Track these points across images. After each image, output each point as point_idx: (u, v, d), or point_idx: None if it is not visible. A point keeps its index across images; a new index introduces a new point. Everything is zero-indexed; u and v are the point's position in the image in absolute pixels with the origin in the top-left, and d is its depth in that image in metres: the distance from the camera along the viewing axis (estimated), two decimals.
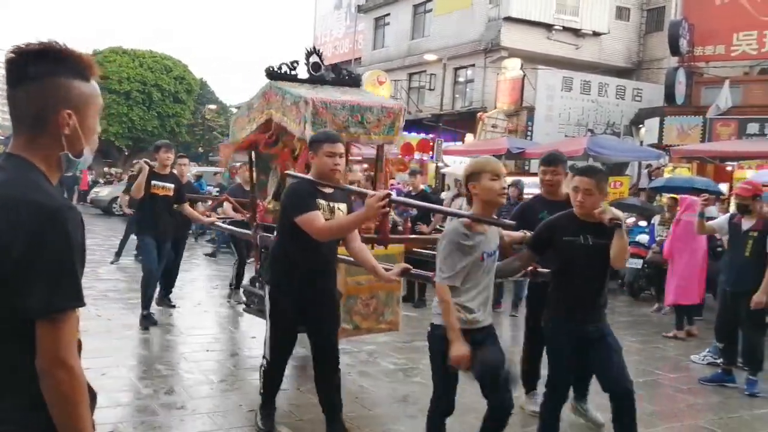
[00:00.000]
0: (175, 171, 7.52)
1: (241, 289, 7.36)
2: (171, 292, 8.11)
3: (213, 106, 48.36)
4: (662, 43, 19.25)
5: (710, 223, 6.74)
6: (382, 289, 5.41)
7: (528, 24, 21.96)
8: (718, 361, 6.40)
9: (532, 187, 16.16)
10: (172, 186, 7.12)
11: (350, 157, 6.25)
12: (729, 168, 16.14)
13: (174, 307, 7.92)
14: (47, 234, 1.48)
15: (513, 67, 21.24)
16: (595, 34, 22.93)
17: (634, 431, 3.78)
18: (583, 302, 3.80)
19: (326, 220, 3.77)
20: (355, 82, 6.06)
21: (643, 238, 10.70)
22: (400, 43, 27.06)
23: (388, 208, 3.39)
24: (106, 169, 32.21)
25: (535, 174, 18.57)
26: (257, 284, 6.03)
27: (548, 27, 22.25)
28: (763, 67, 18.75)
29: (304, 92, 5.25)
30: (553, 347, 3.94)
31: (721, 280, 6.42)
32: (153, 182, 7.00)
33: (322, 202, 3.85)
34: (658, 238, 10.17)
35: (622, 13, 23.91)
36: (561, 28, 22.36)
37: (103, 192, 22.38)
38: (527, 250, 3.93)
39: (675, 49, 17.58)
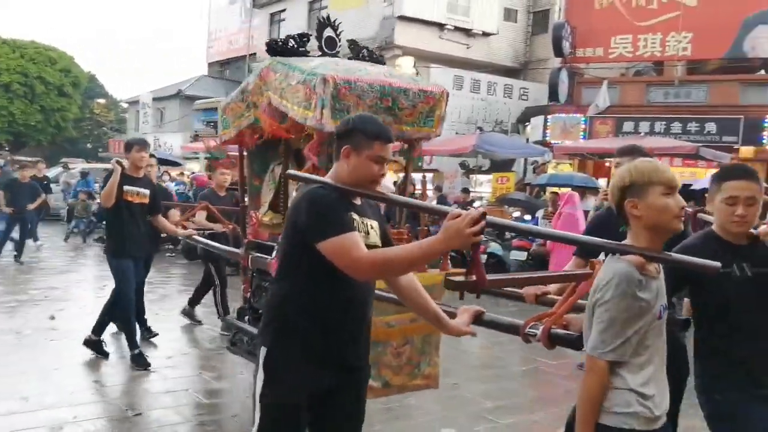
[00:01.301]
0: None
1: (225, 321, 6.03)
2: (145, 320, 6.87)
3: (102, 101, 46.65)
4: (547, 45, 20.11)
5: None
6: (418, 333, 4.10)
7: (421, 23, 22.36)
8: None
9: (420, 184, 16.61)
10: (148, 192, 5.93)
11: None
12: (607, 164, 17.10)
13: (156, 335, 6.76)
14: None
15: (406, 65, 21.58)
16: (485, 34, 23.62)
17: None
18: (760, 357, 2.68)
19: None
20: (377, 60, 4.73)
21: None
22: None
23: (482, 236, 2.22)
24: None
25: (428, 171, 18.97)
26: (247, 318, 4.89)
27: (440, 26, 22.73)
28: (637, 69, 19.93)
29: (320, 68, 3.95)
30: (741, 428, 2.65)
31: None
32: (126, 188, 5.75)
33: (355, 217, 2.56)
34: None
35: (510, 14, 24.77)
36: (452, 27, 22.90)
37: None
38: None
39: (558, 51, 18.41)
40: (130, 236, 5.78)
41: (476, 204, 15.05)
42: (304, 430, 2.58)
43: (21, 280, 9.69)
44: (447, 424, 4.73)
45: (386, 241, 2.68)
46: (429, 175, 17.82)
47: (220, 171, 7.44)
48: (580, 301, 2.39)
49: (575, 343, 2.37)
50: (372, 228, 2.64)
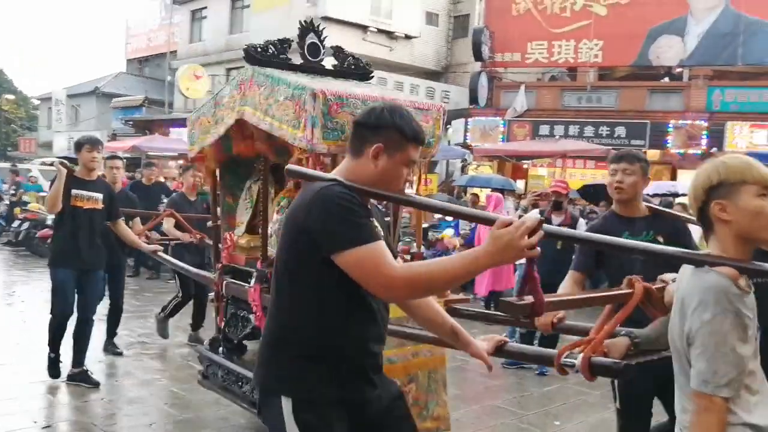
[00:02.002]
0: (104, 176, 5.90)
1: (199, 346, 5.26)
2: (116, 333, 6.53)
3: (11, 97, 44.54)
4: (467, 49, 20.58)
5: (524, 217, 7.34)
6: (422, 368, 3.81)
7: (344, 24, 22.47)
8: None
9: None
10: (101, 196, 5.35)
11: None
12: (525, 166, 17.76)
13: (121, 354, 6.36)
14: None
15: (329, 66, 21.69)
16: (407, 37, 23.95)
17: None
18: None
19: None
20: (364, 73, 4.39)
21: (450, 231, 11.51)
22: (218, 37, 26.56)
23: (537, 249, 1.86)
24: None
25: None
26: (221, 350, 4.54)
27: (364, 28, 22.91)
28: (552, 74, 20.71)
29: (307, 81, 3.67)
30: None
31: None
32: (74, 191, 5.22)
33: (376, 225, 2.11)
34: (462, 232, 10.98)
35: (431, 18, 25.19)
36: (376, 30, 23.13)
37: None
38: None
39: (478, 55, 18.92)
40: (73, 245, 5.23)
41: None
42: None
43: None
44: None
45: (392, 253, 2.17)
46: None
47: (192, 173, 6.76)
48: (619, 327, 2.17)
49: (622, 371, 2.10)
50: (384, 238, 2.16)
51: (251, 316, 4.14)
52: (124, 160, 7.16)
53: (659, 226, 3.08)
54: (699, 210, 1.97)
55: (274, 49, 4.04)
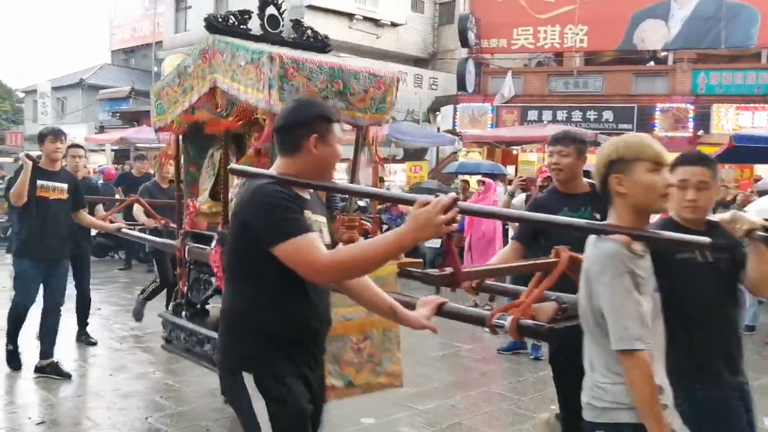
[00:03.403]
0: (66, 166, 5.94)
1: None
2: (87, 323, 6.58)
3: None
4: (454, 36, 20.56)
5: (513, 202, 7.14)
6: (377, 327, 3.92)
7: (330, 12, 22.38)
8: None
9: (340, 173, 16.78)
10: (66, 186, 5.43)
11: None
12: (514, 151, 17.79)
13: (94, 343, 6.44)
14: None
15: None
16: (393, 24, 23.90)
17: None
18: (728, 348, 2.63)
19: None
20: (322, 45, 4.59)
21: None
22: (203, 27, 26.31)
23: (455, 225, 2.01)
24: None
25: (342, 160, 19.27)
26: (184, 314, 4.63)
27: (350, 16, 22.83)
28: (539, 60, 20.73)
29: (265, 46, 3.91)
30: (725, 426, 2.56)
31: None
32: (39, 182, 5.28)
33: (309, 215, 2.31)
34: None
35: (417, 5, 25.15)
36: (362, 17, 23.05)
37: None
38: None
39: (464, 41, 18.92)
40: (37, 235, 5.28)
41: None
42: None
43: None
44: (367, 413, 4.73)
45: (333, 239, 2.48)
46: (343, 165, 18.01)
47: (143, 162, 6.96)
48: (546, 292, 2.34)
49: (546, 334, 2.29)
50: (323, 226, 2.42)
51: (213, 279, 4.31)
52: (85, 149, 7.27)
53: (597, 202, 3.15)
54: (601, 183, 2.25)
55: (234, 19, 4.23)
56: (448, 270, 2.19)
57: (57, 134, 5.45)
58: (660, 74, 17.95)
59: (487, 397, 5.48)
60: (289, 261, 2.14)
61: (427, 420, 4.74)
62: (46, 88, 31.20)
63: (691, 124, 16.57)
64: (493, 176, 11.78)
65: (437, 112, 20.94)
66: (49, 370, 5.35)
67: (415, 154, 19.00)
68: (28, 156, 5.33)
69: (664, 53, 18.63)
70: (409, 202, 2.11)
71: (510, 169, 15.69)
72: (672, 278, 2.44)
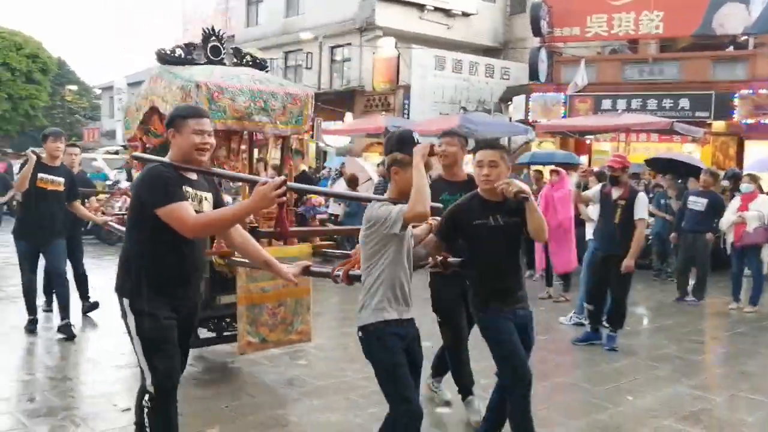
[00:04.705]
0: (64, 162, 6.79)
1: None
2: (88, 297, 7.35)
3: (73, 87, 44.91)
4: (526, 25, 20.34)
5: (585, 192, 7.30)
6: (291, 296, 4.97)
7: (401, 3, 22.48)
8: (584, 320, 7.15)
9: None
10: (63, 180, 6.37)
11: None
12: (588, 141, 17.53)
13: (96, 306, 7.27)
14: None
15: (387, 46, 21.74)
16: (465, 14, 23.80)
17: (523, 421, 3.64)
18: (506, 286, 3.63)
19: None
20: (259, 66, 5.56)
21: None
22: (274, 20, 26.84)
23: (284, 197, 2.92)
24: None
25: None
26: None
27: (420, 7, 22.86)
28: (613, 47, 20.29)
29: (197, 75, 4.76)
30: (501, 338, 3.58)
31: (593, 245, 6.98)
32: (40, 175, 6.25)
33: (189, 190, 3.14)
34: None
35: None
36: (432, 8, 23.04)
37: None
38: (436, 239, 3.60)
39: (537, 30, 18.68)
40: (34, 220, 6.27)
41: None
42: (177, 344, 3.21)
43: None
44: (443, 401, 4.83)
45: (219, 208, 3.30)
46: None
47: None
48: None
49: (357, 276, 3.30)
50: (206, 199, 3.26)
51: None
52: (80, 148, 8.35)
53: (470, 189, 3.82)
54: (387, 169, 3.27)
55: (181, 51, 5.25)
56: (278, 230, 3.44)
57: (57, 135, 6.43)
58: (740, 60, 17.30)
59: (561, 387, 5.53)
60: (168, 220, 2.99)
61: None
62: (122, 84, 32.21)
63: None
64: (567, 166, 11.65)
65: (509, 102, 20.79)
66: (62, 330, 6.31)
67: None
68: (33, 152, 6.32)
69: (744, 38, 17.93)
70: (253, 182, 3.14)
71: (583, 159, 15.47)
72: (470, 237, 3.59)
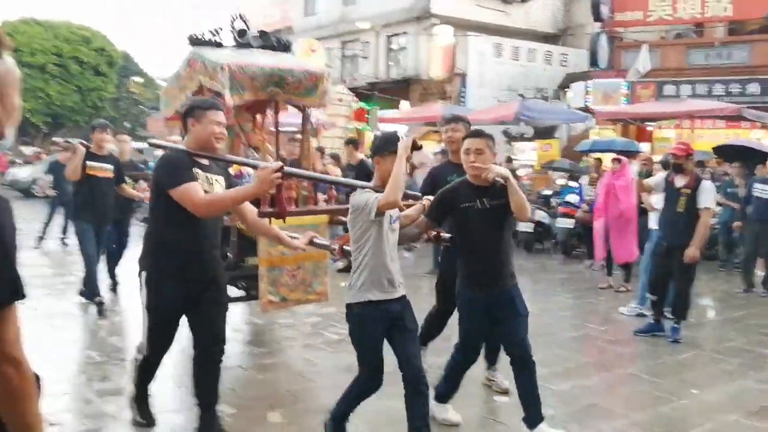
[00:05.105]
0: (114, 149, 7.40)
1: None
2: (115, 275, 7.80)
3: (138, 79, 46.11)
4: (585, 10, 19.93)
5: (648, 180, 7.12)
6: (309, 260, 5.26)
7: None
8: (645, 311, 7.00)
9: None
10: (111, 167, 6.93)
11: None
12: (650, 128, 17.08)
13: (117, 284, 7.73)
14: None
15: (444, 34, 21.59)
16: (522, 0, 23.44)
17: (533, 389, 3.88)
18: (489, 265, 3.88)
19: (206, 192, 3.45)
20: (284, 47, 5.93)
21: (573, 198, 11.31)
22: (332, 10, 26.93)
23: (281, 181, 3.29)
24: (23, 148, 30.65)
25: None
26: None
27: None
28: (677, 31, 19.68)
29: (222, 58, 5.24)
30: (464, 311, 4.02)
31: (656, 235, 6.83)
32: (89, 163, 6.77)
33: (199, 173, 3.49)
34: (587, 198, 10.76)
35: None
36: None
37: (22, 173, 21.14)
38: (426, 220, 3.89)
39: (597, 15, 18.29)
40: (89, 204, 6.79)
41: (520, 172, 15.25)
42: (177, 326, 3.64)
43: (68, 261, 9.69)
44: (501, 391, 4.82)
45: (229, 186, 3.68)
46: None
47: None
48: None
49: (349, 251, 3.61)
50: (216, 181, 3.61)
51: None
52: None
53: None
54: (371, 160, 3.72)
55: (210, 35, 5.65)
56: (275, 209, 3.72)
57: (103, 127, 6.98)
58: None
59: (623, 378, 5.42)
60: (179, 199, 3.34)
61: (563, 399, 4.74)
62: None
63: None
64: (627, 154, 11.40)
65: (567, 89, 20.41)
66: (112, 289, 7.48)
67: (545, 132, 18.64)
68: (81, 143, 6.96)
69: None
70: (255, 167, 3.50)
71: (645, 147, 15.08)
72: (458, 219, 3.88)
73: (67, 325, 6.43)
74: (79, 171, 6.72)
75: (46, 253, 10.80)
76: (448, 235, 4.20)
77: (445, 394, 4.21)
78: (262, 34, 5.90)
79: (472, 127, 4.44)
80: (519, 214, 3.78)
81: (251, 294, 5.81)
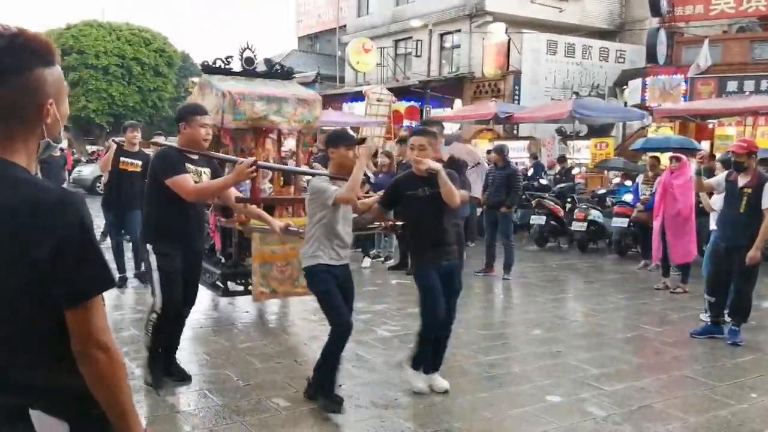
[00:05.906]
0: (147, 149, 7.95)
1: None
2: (139, 266, 8.05)
3: (197, 79, 46.86)
4: (643, 5, 19.47)
5: (708, 180, 6.86)
6: (296, 257, 5.71)
7: None
8: (702, 314, 6.81)
9: (518, 151, 16.59)
10: (140, 162, 7.62)
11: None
12: (710, 125, 16.58)
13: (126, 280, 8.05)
14: (64, 227, 1.44)
15: (498, 31, 21.41)
16: None
17: (441, 353, 4.75)
18: (434, 242, 4.53)
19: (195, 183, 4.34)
20: (286, 74, 6.81)
21: (629, 197, 11.07)
22: (385, 9, 27.01)
23: (255, 173, 4.36)
24: (88, 147, 31.78)
25: (524, 138, 18.85)
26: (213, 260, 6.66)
27: None
28: (740, 25, 19.06)
29: (225, 85, 6.14)
30: (424, 285, 4.52)
31: (716, 235, 6.62)
32: (122, 159, 7.67)
33: (190, 166, 4.40)
34: (642, 197, 10.52)
35: None
36: None
37: (86, 171, 21.78)
38: (378, 206, 4.65)
39: (656, 10, 17.85)
40: (118, 194, 7.70)
41: (574, 171, 15.01)
42: (181, 283, 4.43)
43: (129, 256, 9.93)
44: (552, 391, 4.82)
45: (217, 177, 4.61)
46: (524, 143, 17.75)
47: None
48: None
49: None
50: (204, 173, 4.50)
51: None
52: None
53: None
54: (325, 149, 4.64)
55: (221, 62, 6.48)
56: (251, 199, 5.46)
57: (134, 126, 7.93)
58: None
59: (679, 381, 5.30)
60: (173, 187, 4.23)
61: (615, 401, 4.67)
62: None
63: None
64: (685, 152, 11.08)
65: (624, 86, 19.99)
66: (137, 275, 7.97)
67: (600, 131, 18.29)
68: (114, 141, 8.00)
69: None
70: (235, 162, 4.48)
71: (704, 144, 14.64)
72: (405, 204, 4.59)
73: (131, 317, 6.60)
74: (110, 164, 7.67)
75: (109, 247, 11.06)
76: (400, 223, 4.97)
77: (417, 363, 4.76)
78: (267, 62, 6.91)
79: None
80: (448, 201, 4.38)
81: (247, 289, 6.54)
